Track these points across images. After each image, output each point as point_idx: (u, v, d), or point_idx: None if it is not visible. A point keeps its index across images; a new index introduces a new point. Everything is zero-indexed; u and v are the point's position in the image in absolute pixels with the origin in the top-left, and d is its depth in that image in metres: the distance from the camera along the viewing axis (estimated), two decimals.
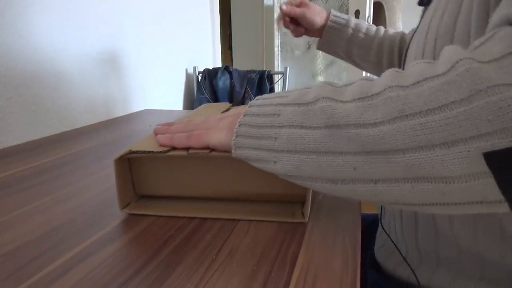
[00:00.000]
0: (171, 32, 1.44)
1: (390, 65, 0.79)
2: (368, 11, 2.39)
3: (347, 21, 0.80)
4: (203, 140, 0.38)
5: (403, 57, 0.55)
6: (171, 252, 0.34)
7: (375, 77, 0.31)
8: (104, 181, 0.52)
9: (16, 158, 0.66)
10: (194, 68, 1.59)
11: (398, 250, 0.47)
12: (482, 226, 0.38)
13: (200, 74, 1.60)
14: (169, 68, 1.45)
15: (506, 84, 0.21)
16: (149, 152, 0.39)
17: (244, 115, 0.35)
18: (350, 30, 0.79)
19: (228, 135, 0.36)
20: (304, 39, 2.81)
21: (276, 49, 2.84)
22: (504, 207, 0.24)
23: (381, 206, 0.50)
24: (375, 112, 0.26)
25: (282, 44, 2.88)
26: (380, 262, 0.50)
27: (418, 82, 0.25)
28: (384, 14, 2.51)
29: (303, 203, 0.42)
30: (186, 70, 1.59)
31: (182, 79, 1.57)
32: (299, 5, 0.83)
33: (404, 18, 2.63)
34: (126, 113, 1.14)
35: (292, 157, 0.31)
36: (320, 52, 2.63)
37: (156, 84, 1.34)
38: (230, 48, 3.22)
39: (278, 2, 2.81)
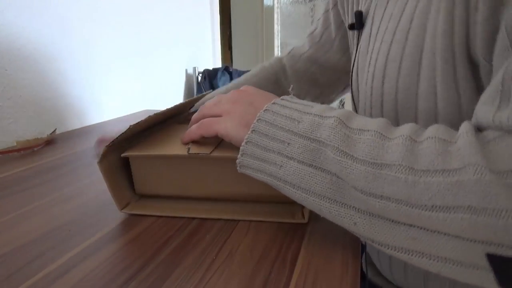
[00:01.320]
0: (171, 32, 1.44)
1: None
2: None
3: None
4: (213, 129, 0.38)
5: (351, 93, 0.51)
6: (171, 252, 0.34)
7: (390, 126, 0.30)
8: (104, 181, 0.52)
9: (16, 158, 0.66)
10: (194, 68, 1.59)
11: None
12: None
13: (200, 75, 1.60)
14: (169, 69, 1.45)
15: None
16: (119, 142, 0.40)
17: (252, 131, 0.33)
18: None
19: (238, 127, 0.35)
20: (304, 39, 2.80)
21: (276, 49, 2.84)
22: None
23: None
24: (382, 186, 0.26)
25: (282, 44, 2.88)
26: (370, 277, 0.51)
27: (428, 171, 0.25)
28: None
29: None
30: (186, 70, 1.59)
31: (182, 80, 1.57)
32: None
33: None
34: (127, 114, 1.14)
35: (294, 191, 0.31)
36: None
37: (156, 84, 1.34)
38: (230, 48, 3.22)
39: (278, 2, 2.82)
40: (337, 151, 0.28)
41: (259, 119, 0.33)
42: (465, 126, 0.26)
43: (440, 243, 0.24)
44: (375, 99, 0.40)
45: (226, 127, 0.36)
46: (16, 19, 0.77)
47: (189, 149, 0.39)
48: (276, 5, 2.80)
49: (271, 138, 0.32)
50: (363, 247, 0.56)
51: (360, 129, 0.29)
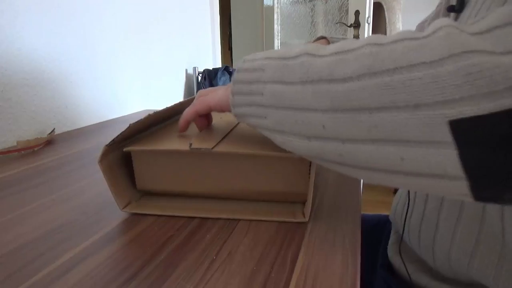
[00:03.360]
0: (171, 32, 1.44)
1: None
2: (368, 11, 2.39)
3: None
4: (206, 103, 0.41)
5: None
6: (171, 252, 0.34)
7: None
8: (104, 181, 0.52)
9: (16, 158, 0.66)
10: (194, 68, 1.59)
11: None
12: (505, 269, 0.36)
13: (200, 75, 1.60)
14: (169, 69, 1.45)
15: (482, 50, 0.20)
16: (120, 142, 0.41)
17: (237, 72, 0.36)
18: None
19: (225, 94, 0.39)
20: (304, 39, 2.80)
21: (276, 49, 2.84)
22: (463, 188, 0.22)
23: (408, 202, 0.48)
24: (346, 67, 0.26)
25: (282, 44, 2.88)
26: (395, 267, 0.49)
27: (395, 42, 0.24)
28: (384, 15, 2.51)
29: (303, 203, 0.42)
30: (186, 70, 1.59)
31: (182, 80, 1.57)
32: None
33: (404, 19, 2.63)
34: (126, 114, 1.14)
35: (276, 112, 0.32)
36: None
37: (156, 84, 1.34)
38: (230, 48, 3.22)
39: (278, 2, 2.82)
40: (306, 56, 0.30)
41: (244, 60, 0.36)
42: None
43: (401, 120, 0.23)
44: None
45: (215, 97, 0.40)
46: (16, 20, 0.77)
47: (191, 144, 0.39)
48: (276, 5, 2.80)
49: (251, 71, 0.34)
50: (374, 247, 0.56)
51: (333, 43, 0.32)
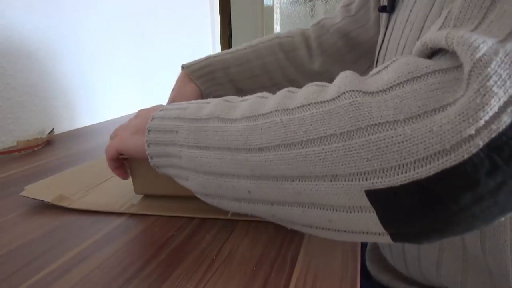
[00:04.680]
0: (171, 32, 1.44)
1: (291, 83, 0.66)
2: None
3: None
4: (111, 150, 0.39)
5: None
6: (171, 252, 0.34)
7: (292, 90, 0.29)
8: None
9: (16, 158, 0.65)
10: None
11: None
12: (471, 274, 0.37)
13: None
14: (169, 69, 1.45)
15: (386, 122, 0.21)
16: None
17: (149, 131, 0.34)
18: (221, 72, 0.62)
19: (131, 139, 0.37)
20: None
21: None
22: (386, 239, 0.24)
23: None
24: (259, 137, 0.26)
25: None
26: (373, 274, 0.50)
27: (303, 106, 0.25)
28: None
29: None
30: None
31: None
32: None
33: None
34: (126, 114, 1.14)
35: (197, 176, 0.31)
36: None
37: (156, 84, 1.34)
38: (230, 48, 3.21)
39: (278, 2, 2.82)
40: (217, 120, 0.30)
41: (153, 118, 0.35)
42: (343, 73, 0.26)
43: (322, 189, 0.24)
44: None
45: (119, 142, 0.38)
46: (17, 20, 0.77)
47: None
48: (276, 5, 2.80)
49: (164, 132, 0.33)
50: (364, 246, 0.56)
51: (243, 99, 0.31)
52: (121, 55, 1.13)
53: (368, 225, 0.24)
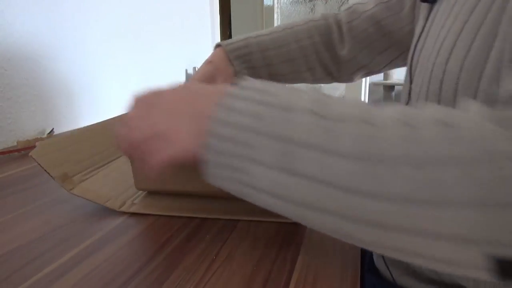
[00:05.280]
0: (171, 32, 1.44)
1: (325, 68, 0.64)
2: None
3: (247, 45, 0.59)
4: (156, 163, 0.30)
5: (409, 66, 0.48)
6: (171, 252, 0.34)
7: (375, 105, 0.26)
8: None
9: (16, 158, 0.65)
10: (194, 68, 1.59)
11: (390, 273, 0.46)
12: None
13: None
14: (169, 69, 1.45)
15: None
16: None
17: (210, 136, 0.26)
18: (259, 54, 0.59)
19: (189, 146, 0.28)
20: None
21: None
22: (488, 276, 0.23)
23: None
24: (379, 186, 0.22)
25: None
26: (381, 270, 0.50)
27: (442, 162, 0.22)
28: None
29: None
30: (186, 70, 1.59)
31: (182, 80, 1.57)
32: None
33: None
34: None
35: (275, 201, 0.26)
36: None
37: (155, 84, 1.34)
38: None
39: (278, 2, 2.82)
40: (315, 152, 0.24)
41: (216, 119, 0.27)
42: (470, 105, 0.24)
43: (441, 248, 0.22)
44: (435, 75, 0.38)
45: (173, 151, 0.28)
46: (16, 20, 0.77)
47: None
48: (276, 5, 2.80)
49: (234, 142, 0.26)
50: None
51: (339, 119, 0.25)
52: (121, 55, 1.13)
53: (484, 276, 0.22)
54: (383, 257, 0.47)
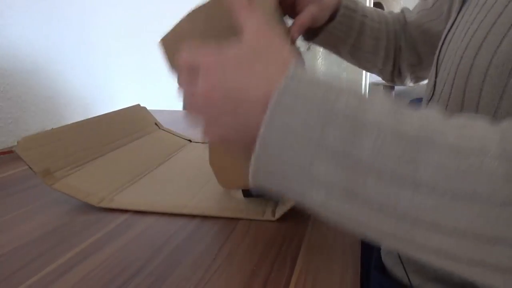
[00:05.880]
0: None
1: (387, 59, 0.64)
2: None
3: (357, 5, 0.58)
4: (214, 139, 0.27)
5: (435, 61, 0.47)
6: (171, 252, 0.34)
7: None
8: None
9: (16, 158, 0.65)
10: None
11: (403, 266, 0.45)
12: None
13: None
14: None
15: None
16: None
17: (263, 146, 0.23)
18: (360, 18, 0.58)
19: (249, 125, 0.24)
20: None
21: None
22: None
23: None
24: (463, 221, 0.21)
25: None
26: (388, 267, 0.49)
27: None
28: None
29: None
30: None
31: None
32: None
33: None
34: None
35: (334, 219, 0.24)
36: (320, 53, 2.62)
37: (157, 86, 1.34)
38: None
39: None
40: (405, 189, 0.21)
41: (268, 124, 0.23)
42: None
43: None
44: (461, 69, 0.37)
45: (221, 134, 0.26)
46: (16, 20, 0.77)
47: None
48: None
49: (289, 150, 0.22)
50: (368, 248, 0.55)
51: (419, 135, 0.21)
52: (122, 55, 1.13)
53: None
54: (399, 257, 0.46)
